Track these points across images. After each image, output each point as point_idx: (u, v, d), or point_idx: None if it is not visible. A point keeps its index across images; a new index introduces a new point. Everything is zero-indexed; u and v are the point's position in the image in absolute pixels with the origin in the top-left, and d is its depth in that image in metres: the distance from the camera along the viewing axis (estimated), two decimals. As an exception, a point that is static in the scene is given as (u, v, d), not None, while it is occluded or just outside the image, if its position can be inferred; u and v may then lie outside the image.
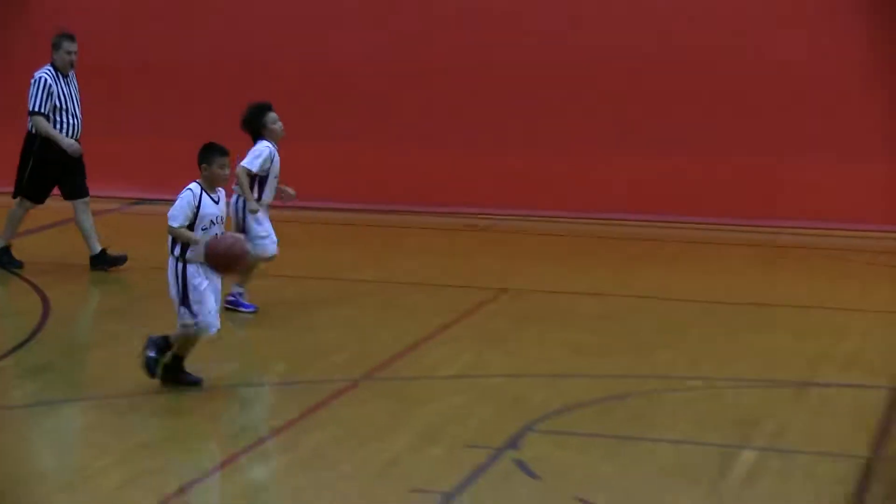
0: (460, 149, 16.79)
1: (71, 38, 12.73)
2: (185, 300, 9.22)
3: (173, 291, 9.27)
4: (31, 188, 12.84)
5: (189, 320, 9.20)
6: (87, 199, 12.87)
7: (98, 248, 12.90)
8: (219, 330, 9.37)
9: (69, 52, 12.68)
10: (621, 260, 14.50)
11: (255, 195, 11.22)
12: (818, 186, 16.30)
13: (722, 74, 16.38)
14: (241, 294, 11.37)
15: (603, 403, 9.48)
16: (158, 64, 17.33)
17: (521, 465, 8.14)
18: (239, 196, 11.22)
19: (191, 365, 9.35)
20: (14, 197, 12.94)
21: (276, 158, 11.27)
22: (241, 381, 9.97)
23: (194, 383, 9.33)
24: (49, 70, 12.68)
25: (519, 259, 14.43)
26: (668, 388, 9.91)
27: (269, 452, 8.45)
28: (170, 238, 9.31)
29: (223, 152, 9.37)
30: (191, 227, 9.22)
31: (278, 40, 17.17)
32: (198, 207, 9.24)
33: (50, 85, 12.56)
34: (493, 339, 11.06)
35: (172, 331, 9.33)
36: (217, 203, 9.38)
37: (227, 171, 9.41)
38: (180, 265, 9.25)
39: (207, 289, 9.24)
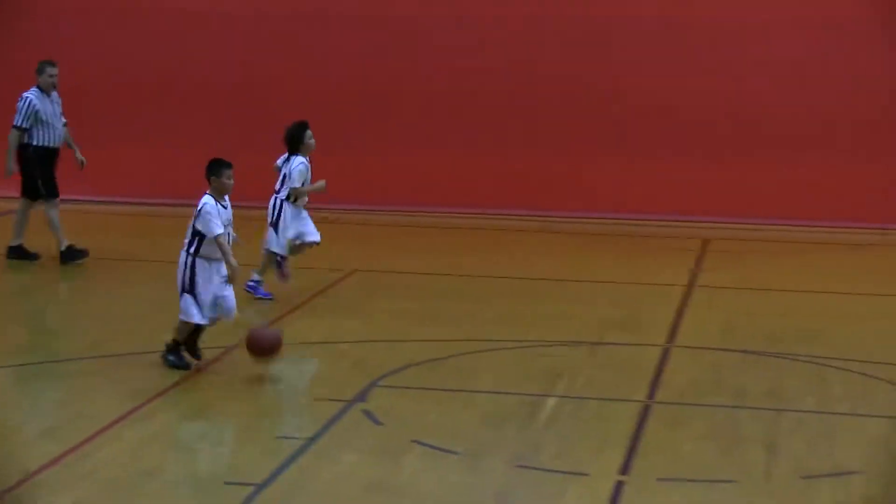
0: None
1: (53, 63, 14.22)
2: (191, 289, 10.12)
3: (180, 279, 10.17)
4: (34, 189, 14.32)
5: (192, 309, 10.10)
6: (58, 199, 14.36)
7: (65, 243, 14.32)
8: (213, 319, 10.27)
9: (51, 76, 14.22)
10: (451, 246, 15.94)
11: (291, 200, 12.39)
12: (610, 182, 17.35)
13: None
14: (259, 282, 12.55)
15: (434, 362, 10.77)
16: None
17: (369, 414, 9.38)
18: (276, 196, 12.39)
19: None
20: (35, 199, 14.32)
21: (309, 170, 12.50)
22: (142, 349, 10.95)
23: (184, 367, 10.20)
24: (35, 91, 14.14)
25: (368, 246, 15.70)
26: (486, 348, 11.27)
27: (157, 410, 9.52)
28: (188, 235, 10.13)
29: (229, 165, 10.22)
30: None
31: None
32: (218, 216, 10.12)
33: (35, 104, 14.09)
34: (345, 310, 12.40)
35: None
36: (226, 209, 10.24)
37: (232, 181, 10.20)
38: (191, 258, 10.16)
39: (208, 283, 10.16)
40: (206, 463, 8.77)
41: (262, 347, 10.20)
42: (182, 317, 10.27)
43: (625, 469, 8.51)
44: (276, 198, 12.58)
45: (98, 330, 11.79)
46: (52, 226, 14.29)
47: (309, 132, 12.48)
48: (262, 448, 8.81)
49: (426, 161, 17.61)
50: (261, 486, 8.11)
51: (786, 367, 10.94)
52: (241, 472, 8.46)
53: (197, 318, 10.21)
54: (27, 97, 14.25)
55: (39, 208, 14.43)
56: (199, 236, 10.21)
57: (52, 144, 14.33)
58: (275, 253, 12.61)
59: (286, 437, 8.98)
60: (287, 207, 12.55)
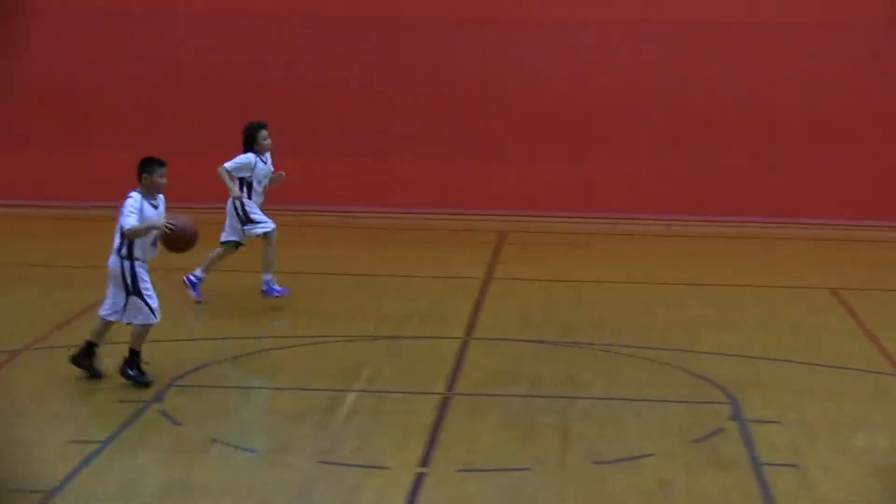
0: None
1: None
2: (137, 292, 9.81)
3: (122, 286, 9.80)
4: None
5: (145, 310, 9.83)
6: None
7: None
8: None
9: None
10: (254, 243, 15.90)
11: (245, 195, 12.51)
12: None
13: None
14: (271, 280, 12.55)
15: (233, 360, 10.78)
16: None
17: (166, 414, 9.36)
18: (232, 198, 12.52)
19: None
20: None
21: (259, 166, 12.59)
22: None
23: (146, 384, 9.92)
24: None
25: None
26: (288, 345, 11.35)
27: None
28: (117, 239, 9.82)
29: (161, 163, 9.99)
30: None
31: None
32: (140, 212, 9.86)
33: None
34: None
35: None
36: (156, 209, 9.98)
37: (165, 181, 9.97)
38: (127, 263, 9.88)
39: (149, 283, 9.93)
40: (-8, 471, 8.62)
41: (186, 239, 10.05)
42: (141, 320, 9.95)
43: (425, 461, 8.64)
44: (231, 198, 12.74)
45: None
46: None
47: (264, 132, 12.69)
48: (53, 453, 8.69)
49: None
50: (50, 494, 8.00)
51: (579, 356, 11.21)
52: (29, 478, 8.30)
53: (153, 318, 9.98)
54: None
55: None
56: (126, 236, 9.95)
57: None
58: (238, 243, 12.75)
59: (79, 441, 8.88)
60: (246, 202, 12.68)
